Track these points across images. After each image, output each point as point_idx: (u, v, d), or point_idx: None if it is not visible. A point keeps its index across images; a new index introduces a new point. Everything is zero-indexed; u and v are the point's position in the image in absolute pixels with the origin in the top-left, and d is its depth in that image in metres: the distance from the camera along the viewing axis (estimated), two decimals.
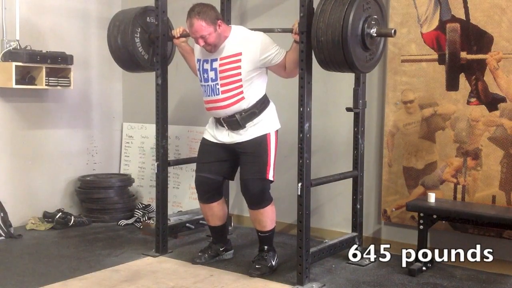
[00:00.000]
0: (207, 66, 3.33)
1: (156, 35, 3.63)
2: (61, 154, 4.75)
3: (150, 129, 4.85)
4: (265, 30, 3.33)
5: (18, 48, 4.21)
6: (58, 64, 4.36)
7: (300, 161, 3.09)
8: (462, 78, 3.51)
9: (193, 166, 4.60)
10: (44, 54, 4.28)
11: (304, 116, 3.06)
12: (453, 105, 3.55)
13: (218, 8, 4.07)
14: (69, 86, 4.49)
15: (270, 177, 3.31)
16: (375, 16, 2.94)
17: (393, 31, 2.94)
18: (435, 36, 3.58)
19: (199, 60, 3.40)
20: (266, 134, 3.32)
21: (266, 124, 3.34)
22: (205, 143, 3.50)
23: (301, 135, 3.08)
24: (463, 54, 3.49)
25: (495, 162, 3.43)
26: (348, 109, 3.52)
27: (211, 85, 3.31)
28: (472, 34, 3.45)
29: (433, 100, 3.62)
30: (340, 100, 3.87)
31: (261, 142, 3.31)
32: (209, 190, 3.48)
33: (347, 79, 3.64)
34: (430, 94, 3.62)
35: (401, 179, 3.76)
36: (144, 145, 5.09)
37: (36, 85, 4.33)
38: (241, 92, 3.26)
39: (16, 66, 4.12)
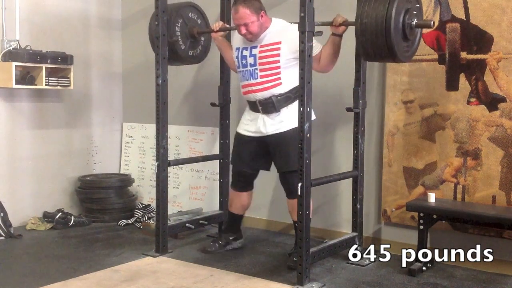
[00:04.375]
0: (246, 53, 3.51)
1: (156, 35, 3.64)
2: (61, 154, 4.75)
3: (150, 129, 4.85)
4: None
5: (18, 48, 4.21)
6: (58, 64, 4.36)
7: (300, 161, 3.09)
8: (462, 78, 3.51)
9: (193, 166, 4.66)
10: (44, 54, 4.28)
11: (304, 116, 3.06)
12: (453, 105, 3.55)
13: (218, 7, 4.09)
14: (69, 86, 4.49)
15: None
16: (417, 5, 3.07)
17: (431, 22, 3.06)
18: (435, 36, 3.58)
19: (238, 49, 3.57)
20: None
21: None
22: (240, 138, 3.66)
23: (301, 135, 3.08)
24: (463, 54, 3.49)
25: (495, 162, 3.43)
26: (348, 109, 3.52)
27: (250, 70, 3.49)
28: (472, 34, 3.45)
29: (433, 100, 3.62)
30: (340, 100, 3.87)
31: (295, 134, 3.34)
32: (245, 181, 3.74)
33: (347, 79, 3.64)
34: (430, 94, 3.62)
35: (401, 179, 3.76)
36: (144, 145, 5.09)
37: (36, 85, 4.32)
38: (279, 78, 3.42)
39: (16, 66, 4.12)
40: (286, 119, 3.45)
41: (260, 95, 3.47)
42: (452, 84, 3.55)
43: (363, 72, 3.53)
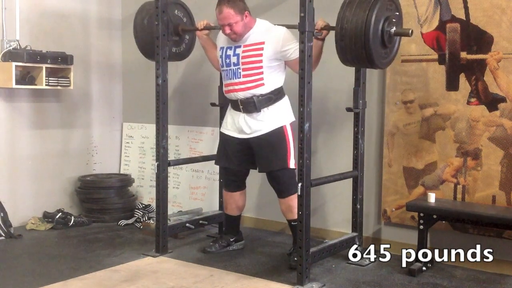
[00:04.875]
0: (230, 52, 3.51)
1: (156, 35, 3.64)
2: (61, 154, 4.75)
3: (150, 129, 4.85)
4: (288, 26, 3.43)
5: (18, 48, 4.21)
6: (58, 64, 4.36)
7: (300, 161, 3.09)
8: (462, 78, 3.51)
9: (193, 166, 4.65)
10: (44, 54, 4.28)
11: (304, 116, 3.06)
12: (453, 105, 3.55)
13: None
14: (69, 86, 4.49)
15: (292, 166, 3.43)
16: (397, 13, 3.09)
17: (410, 31, 3.05)
18: (435, 36, 3.58)
19: (222, 48, 3.57)
20: (283, 126, 3.45)
21: (282, 115, 3.48)
22: (225, 138, 3.66)
23: (301, 135, 3.08)
24: (463, 54, 3.49)
25: (495, 162, 3.43)
26: (348, 109, 3.52)
27: (233, 69, 3.49)
28: (472, 34, 3.45)
29: (433, 100, 3.62)
30: (340, 100, 3.88)
31: (278, 134, 3.45)
32: (236, 180, 3.74)
33: (347, 79, 3.64)
34: (430, 94, 3.62)
35: (401, 179, 3.76)
36: (144, 145, 5.09)
37: (36, 85, 4.33)
38: (261, 79, 3.43)
39: (16, 66, 4.12)
40: (267, 119, 3.46)
41: (241, 95, 3.48)
42: (452, 84, 3.55)
43: (363, 72, 3.54)
